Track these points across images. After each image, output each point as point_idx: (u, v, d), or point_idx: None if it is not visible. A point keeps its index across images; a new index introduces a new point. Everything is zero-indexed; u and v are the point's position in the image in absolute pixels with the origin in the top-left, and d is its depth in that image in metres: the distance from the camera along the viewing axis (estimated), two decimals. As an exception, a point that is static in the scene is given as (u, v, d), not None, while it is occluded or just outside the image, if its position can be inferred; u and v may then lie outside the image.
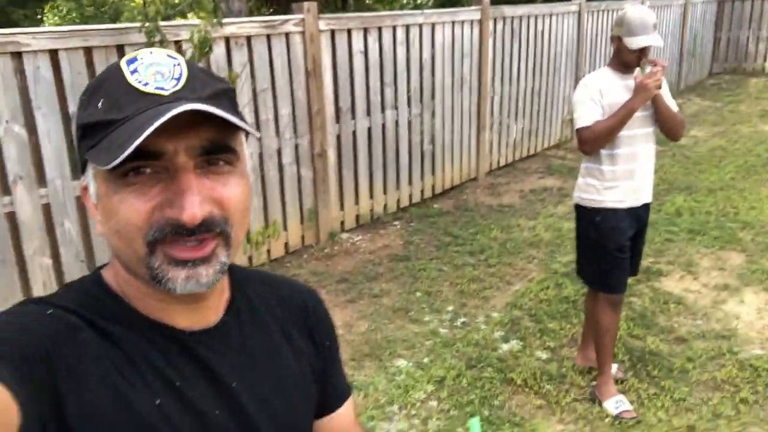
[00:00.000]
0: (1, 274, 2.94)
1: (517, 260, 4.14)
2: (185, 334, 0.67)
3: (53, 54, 3.00)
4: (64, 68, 3.04)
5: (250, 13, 6.13)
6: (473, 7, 5.61)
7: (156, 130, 0.55)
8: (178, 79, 0.60)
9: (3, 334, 0.56)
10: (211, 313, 0.70)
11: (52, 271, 3.12)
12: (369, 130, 4.70)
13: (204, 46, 3.21)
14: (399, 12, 5.16)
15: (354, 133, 4.58)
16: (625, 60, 2.46)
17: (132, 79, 0.59)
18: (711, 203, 4.98)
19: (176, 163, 0.59)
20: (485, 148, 5.90)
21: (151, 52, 0.62)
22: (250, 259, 4.02)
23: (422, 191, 5.32)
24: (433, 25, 5.07)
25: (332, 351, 0.84)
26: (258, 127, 3.90)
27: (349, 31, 4.38)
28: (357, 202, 4.74)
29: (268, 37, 3.89)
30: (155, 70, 0.60)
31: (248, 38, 3.78)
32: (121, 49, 3.21)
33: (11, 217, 2.97)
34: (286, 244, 4.26)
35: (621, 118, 2.41)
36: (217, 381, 0.67)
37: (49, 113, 3.02)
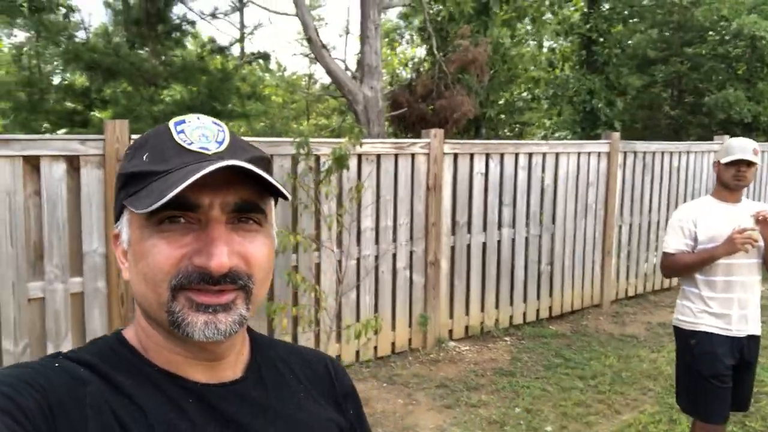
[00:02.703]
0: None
1: (631, 390, 3.87)
2: (201, 385, 0.67)
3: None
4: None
5: (387, 137, 6.91)
6: (601, 141, 5.79)
7: (195, 184, 0.58)
8: (221, 143, 0.65)
9: (5, 389, 0.56)
10: (229, 371, 0.70)
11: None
12: (484, 244, 4.90)
13: (342, 162, 3.75)
14: (522, 141, 5.50)
15: (468, 246, 4.81)
16: (723, 180, 2.50)
17: (178, 138, 0.64)
18: None
19: (210, 215, 0.62)
20: (611, 275, 5.72)
21: (198, 118, 0.67)
22: (357, 353, 4.26)
23: (538, 311, 5.26)
24: (557, 154, 5.32)
25: (359, 419, 0.82)
26: (377, 233, 4.31)
27: (471, 155, 4.79)
28: (467, 312, 4.83)
29: (396, 155, 4.42)
30: (201, 133, 0.65)
31: (378, 155, 4.33)
32: (270, 159, 3.87)
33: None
34: (392, 344, 4.45)
35: (701, 260, 2.45)
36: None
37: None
